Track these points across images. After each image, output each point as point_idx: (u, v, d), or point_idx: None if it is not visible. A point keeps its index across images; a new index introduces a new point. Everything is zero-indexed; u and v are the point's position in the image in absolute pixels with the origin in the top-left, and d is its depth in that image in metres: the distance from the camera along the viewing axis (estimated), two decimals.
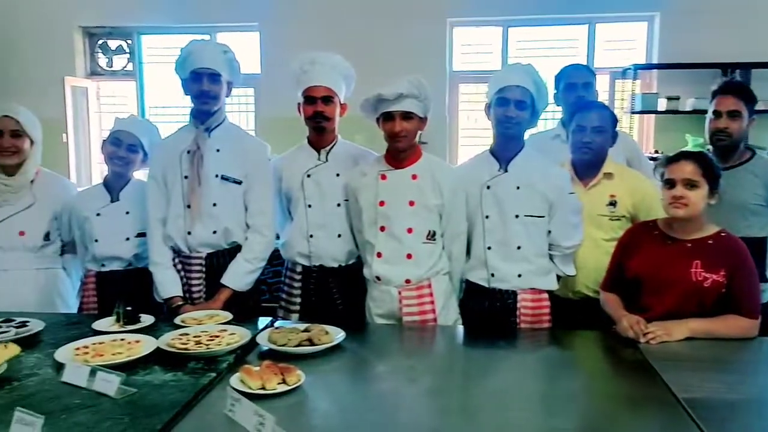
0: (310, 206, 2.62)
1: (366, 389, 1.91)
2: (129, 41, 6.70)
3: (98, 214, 2.66)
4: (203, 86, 2.52)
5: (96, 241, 2.64)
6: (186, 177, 2.56)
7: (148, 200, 2.62)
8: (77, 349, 1.99)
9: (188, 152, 2.57)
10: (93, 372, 1.73)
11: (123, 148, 2.67)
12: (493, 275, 2.49)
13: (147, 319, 2.31)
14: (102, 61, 6.77)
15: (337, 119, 2.64)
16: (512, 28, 6.08)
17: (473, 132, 6.29)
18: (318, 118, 2.57)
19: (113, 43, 6.73)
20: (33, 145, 2.69)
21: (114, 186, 2.72)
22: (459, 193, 2.50)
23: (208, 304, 2.54)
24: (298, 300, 2.67)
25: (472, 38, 6.29)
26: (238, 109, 6.50)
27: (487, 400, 1.80)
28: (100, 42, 6.74)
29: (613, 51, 6.05)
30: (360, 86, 2.73)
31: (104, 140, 2.72)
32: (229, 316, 2.35)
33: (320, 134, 2.62)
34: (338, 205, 2.63)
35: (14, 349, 1.88)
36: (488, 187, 2.48)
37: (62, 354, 1.94)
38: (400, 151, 2.46)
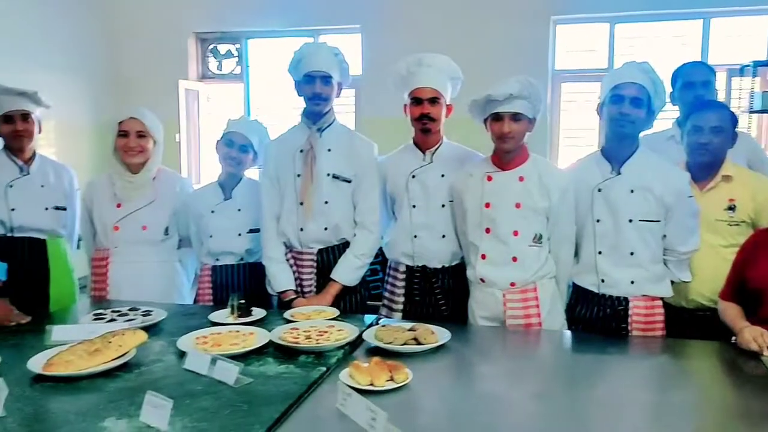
0: (414, 207, 2.65)
1: (472, 390, 1.91)
2: (237, 45, 7.00)
3: (213, 212, 2.79)
4: (316, 88, 2.60)
5: (210, 236, 2.78)
6: (299, 175, 2.66)
7: (262, 197, 2.74)
8: (197, 338, 2.10)
9: (301, 151, 2.67)
10: (213, 361, 1.83)
11: (235, 149, 2.79)
12: (603, 281, 2.41)
13: (258, 313, 2.40)
14: (212, 64, 7.11)
15: (442, 120, 2.65)
16: (619, 24, 5.87)
17: (576, 132, 6.13)
18: (424, 119, 2.59)
19: (223, 48, 7.05)
20: (155, 145, 2.86)
21: (227, 185, 2.85)
22: (568, 195, 2.44)
23: (318, 298, 2.63)
24: (401, 299, 2.70)
25: (576, 36, 6.12)
26: (339, 110, 6.64)
27: (596, 408, 1.76)
28: (211, 47, 7.08)
29: (731, 47, 5.71)
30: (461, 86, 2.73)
31: (218, 141, 2.85)
32: (336, 312, 2.41)
33: (426, 135, 2.64)
34: (443, 206, 2.63)
35: (141, 336, 2.02)
36: (599, 190, 2.40)
37: (184, 342, 2.06)
38: (507, 152, 2.44)
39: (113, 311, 2.41)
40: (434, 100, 2.59)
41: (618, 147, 2.42)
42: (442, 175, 2.63)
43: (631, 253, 2.38)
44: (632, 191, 2.37)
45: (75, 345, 1.92)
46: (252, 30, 6.90)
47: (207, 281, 2.81)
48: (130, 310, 2.43)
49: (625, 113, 2.33)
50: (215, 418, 1.57)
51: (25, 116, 2.73)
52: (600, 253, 2.41)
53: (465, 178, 2.54)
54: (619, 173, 2.40)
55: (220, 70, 7.10)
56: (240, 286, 2.70)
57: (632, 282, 2.38)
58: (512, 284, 2.43)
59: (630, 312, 2.39)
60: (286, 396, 1.70)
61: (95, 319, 2.34)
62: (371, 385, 1.73)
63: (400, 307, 2.70)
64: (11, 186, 2.71)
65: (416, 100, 2.60)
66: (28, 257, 2.70)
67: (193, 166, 6.92)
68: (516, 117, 2.37)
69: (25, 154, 2.78)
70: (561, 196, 2.43)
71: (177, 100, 6.67)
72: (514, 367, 2.10)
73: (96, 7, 6.67)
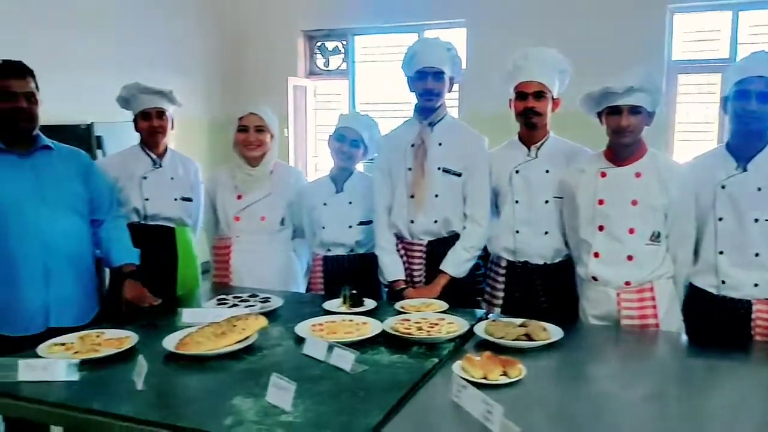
0: (517, 202, 2.63)
1: (585, 390, 1.88)
2: (344, 42, 7.16)
3: (325, 204, 2.89)
4: (427, 84, 2.64)
5: (323, 228, 2.88)
6: (410, 169, 2.72)
7: (374, 190, 2.82)
8: (313, 326, 2.19)
9: (413, 145, 2.72)
10: (330, 348, 1.90)
11: (347, 144, 2.87)
12: (723, 282, 2.30)
13: (369, 303, 2.47)
14: (319, 61, 7.31)
15: (549, 115, 2.61)
16: (744, 11, 5.52)
17: (692, 126, 5.83)
18: (529, 114, 2.57)
19: (330, 45, 7.24)
20: (272, 140, 2.99)
21: (339, 178, 2.94)
22: (688, 192, 2.34)
23: (428, 288, 2.68)
24: (501, 294, 2.70)
25: (695, 24, 5.81)
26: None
27: (713, 416, 1.70)
28: (319, 44, 7.28)
29: None
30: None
31: (330, 136, 2.95)
32: (445, 305, 2.44)
33: (531, 130, 2.62)
34: (546, 201, 2.60)
35: (262, 321, 2.13)
36: (723, 187, 2.29)
37: (301, 329, 2.15)
38: (625, 147, 2.37)
39: (235, 297, 2.56)
40: (540, 95, 2.56)
41: (744, 143, 2.30)
42: (547, 171, 2.60)
43: (756, 254, 2.25)
44: (759, 189, 2.24)
45: (203, 327, 2.05)
46: (358, 26, 7.03)
47: (319, 271, 2.92)
48: (250, 296, 2.56)
49: (750, 110, 2.20)
50: (334, 402, 1.65)
51: (161, 114, 2.94)
52: (721, 253, 2.29)
53: (576, 174, 2.49)
54: (745, 170, 2.27)
55: (327, 66, 7.28)
56: (350, 276, 2.78)
57: (756, 285, 2.26)
58: (627, 283, 2.36)
59: (753, 316, 2.27)
60: (401, 384, 1.75)
61: (219, 304, 2.48)
62: (484, 378, 1.75)
63: (500, 302, 2.70)
64: (145, 178, 2.92)
65: (521, 95, 2.58)
66: (158, 244, 2.90)
67: (300, 160, 7.15)
68: (635, 110, 2.30)
69: (158, 149, 2.99)
70: (681, 193, 2.34)
71: (286, 96, 6.91)
72: (628, 369, 2.05)
73: (212, 9, 7.02)
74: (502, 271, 2.69)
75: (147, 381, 1.75)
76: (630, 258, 2.36)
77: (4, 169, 2.38)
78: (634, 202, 2.36)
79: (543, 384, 1.85)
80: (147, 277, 2.66)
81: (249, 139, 2.91)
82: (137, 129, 2.99)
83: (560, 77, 2.63)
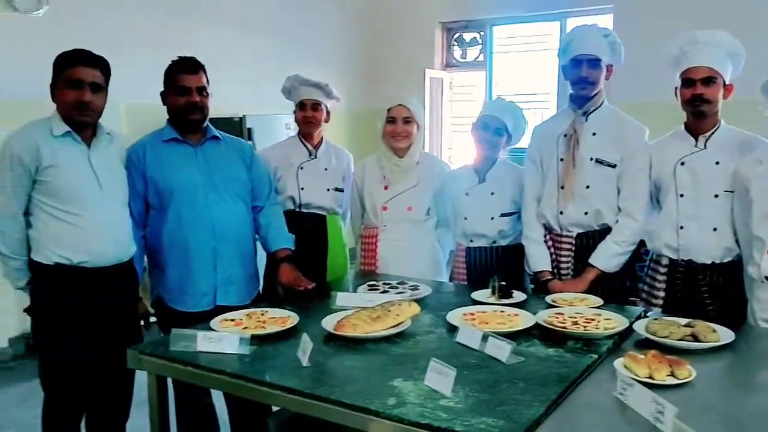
0: (682, 196, 2.48)
1: (759, 399, 1.74)
2: (482, 33, 7.10)
3: (467, 194, 2.89)
4: (582, 72, 2.56)
5: (465, 218, 2.88)
6: (561, 159, 2.65)
7: (525, 179, 2.80)
8: (464, 315, 2.20)
9: (565, 135, 2.65)
10: (485, 337, 1.90)
11: (490, 131, 2.84)
12: None
13: (518, 296, 2.44)
14: (456, 53, 7.29)
15: (719, 102, 2.44)
16: None
17: None
18: (696, 101, 2.41)
19: (468, 36, 7.19)
20: (419, 131, 3.02)
21: (481, 167, 2.91)
22: None
23: (575, 282, 2.62)
24: (662, 294, 2.56)
25: None
26: None
27: None
28: (456, 35, 7.26)
29: None
30: None
31: (473, 124, 2.93)
32: (599, 301, 2.36)
33: (699, 119, 2.46)
34: (716, 196, 2.43)
35: (415, 308, 2.17)
36: None
37: (453, 317, 2.17)
38: None
39: (384, 283, 2.62)
40: (709, 80, 2.40)
41: None
42: (717, 163, 2.43)
43: None
44: None
45: (359, 311, 2.13)
46: (497, 17, 6.93)
47: (462, 261, 2.92)
48: (398, 283, 2.62)
49: None
50: (494, 391, 1.65)
51: (316, 105, 3.06)
52: None
53: (753, 165, 2.31)
54: None
55: (464, 57, 7.25)
56: (493, 268, 2.76)
57: None
58: None
59: None
60: (560, 378, 1.72)
61: (370, 290, 2.56)
62: (650, 378, 1.68)
63: (660, 302, 2.56)
64: (302, 168, 3.06)
65: (688, 81, 2.43)
66: (311, 231, 3.03)
67: (435, 152, 7.19)
68: None
69: (313, 140, 3.12)
70: None
71: (423, 89, 6.96)
72: None
73: (354, 4, 7.21)
74: (663, 270, 2.56)
75: (310, 358, 1.84)
76: None
77: (179, 159, 2.60)
78: None
79: (713, 388, 1.75)
80: (300, 263, 2.79)
81: (397, 129, 2.95)
82: (295, 119, 3.13)
83: (733, 61, 2.44)
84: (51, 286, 2.35)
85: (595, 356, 1.87)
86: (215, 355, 1.91)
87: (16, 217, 2.31)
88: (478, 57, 7.17)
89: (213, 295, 2.60)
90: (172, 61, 2.60)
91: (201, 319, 2.27)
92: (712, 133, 2.48)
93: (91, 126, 2.40)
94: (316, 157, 3.10)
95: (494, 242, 2.90)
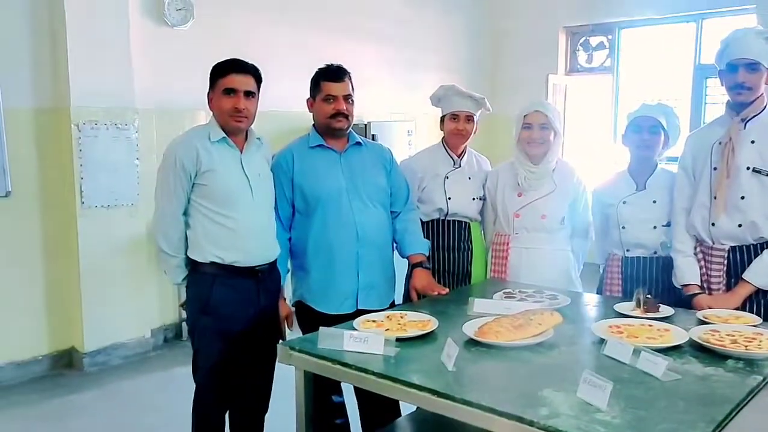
0: None
1: None
2: (609, 37, 6.86)
3: (624, 202, 2.79)
4: (738, 77, 2.44)
5: (623, 227, 2.78)
6: (715, 168, 2.52)
7: (675, 189, 2.68)
8: (610, 327, 2.14)
9: (720, 143, 2.52)
10: (637, 352, 1.83)
11: (645, 131, 2.74)
12: None
13: (666, 310, 2.34)
14: (581, 57, 7.10)
15: None
16: None
17: None
18: None
19: (594, 40, 6.98)
20: (556, 137, 2.96)
21: (639, 173, 2.81)
22: None
23: (725, 297, 2.48)
24: None
25: None
26: None
27: None
28: (582, 39, 7.07)
29: None
30: None
31: (622, 135, 2.85)
32: (757, 319, 2.21)
33: None
34: None
35: (558, 318, 2.13)
36: None
37: (598, 329, 2.11)
38: None
39: (521, 291, 2.59)
40: None
41: None
42: None
43: None
44: None
45: (500, 318, 2.11)
46: (626, 20, 6.68)
47: (616, 272, 2.83)
48: (535, 292, 2.58)
49: None
50: (651, 408, 1.58)
51: (469, 117, 3.03)
52: None
53: None
54: None
55: (590, 62, 7.04)
56: (651, 279, 2.66)
57: None
58: None
59: None
60: (723, 399, 1.62)
61: (506, 297, 2.54)
62: None
63: None
64: (448, 177, 3.05)
65: None
66: (458, 238, 3.04)
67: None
68: None
69: (459, 149, 3.10)
70: None
71: (546, 95, 6.83)
72: None
73: (478, 8, 7.19)
74: None
75: (455, 363, 1.85)
76: None
77: (325, 165, 2.69)
78: None
79: None
80: (444, 269, 2.85)
81: (533, 135, 2.90)
82: (443, 128, 3.11)
83: None
84: (205, 283, 2.50)
85: (760, 378, 1.75)
86: (361, 354, 1.97)
87: (177, 218, 2.49)
88: (605, 62, 6.94)
89: (355, 299, 2.68)
90: (319, 69, 2.69)
91: (342, 321, 2.34)
92: None
93: (244, 131, 2.55)
94: (460, 167, 3.09)
95: (655, 253, 2.78)
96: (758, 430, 1.54)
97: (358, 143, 2.77)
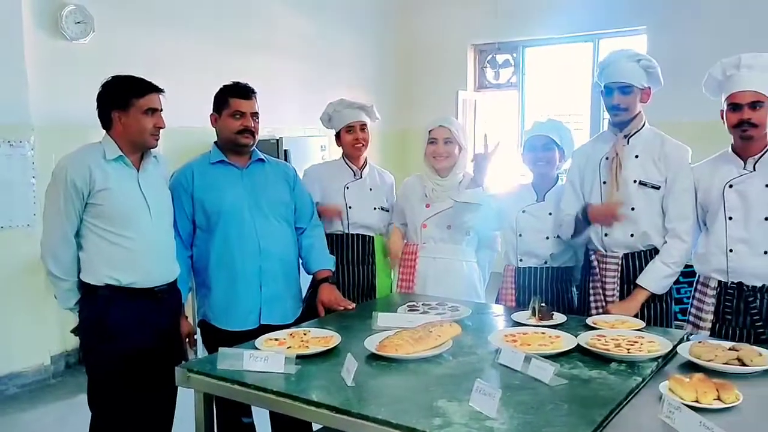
0: (730, 219, 2.47)
1: None
2: (514, 54, 7.13)
3: (523, 211, 2.90)
4: (613, 100, 2.61)
5: (520, 235, 2.88)
6: (604, 182, 2.67)
7: (562, 200, 2.81)
8: (506, 336, 2.21)
9: (607, 158, 2.67)
10: (527, 359, 1.91)
11: (539, 149, 2.86)
12: None
13: (558, 317, 2.45)
14: (489, 74, 7.34)
15: (767, 124, 2.43)
16: None
17: None
18: (744, 126, 2.40)
19: (501, 58, 7.24)
20: (461, 151, 3.06)
21: (541, 187, 2.93)
22: None
23: (623, 304, 2.61)
24: (710, 317, 2.54)
25: None
26: None
27: None
28: (489, 57, 7.31)
29: None
30: None
31: (521, 153, 2.96)
32: (641, 323, 2.35)
33: (746, 143, 2.45)
34: (766, 218, 2.42)
35: (457, 329, 2.19)
36: None
37: (494, 338, 2.18)
38: None
39: (424, 304, 2.65)
40: (756, 104, 2.39)
41: None
42: (766, 185, 2.41)
43: None
44: None
45: (400, 331, 2.15)
46: (530, 39, 6.97)
47: (510, 282, 2.93)
48: (438, 304, 2.64)
49: None
50: (538, 413, 1.65)
51: (363, 127, 3.11)
52: None
53: None
54: None
55: (497, 79, 7.29)
56: (543, 289, 2.77)
57: None
58: None
59: None
60: (605, 401, 1.72)
61: (410, 310, 2.58)
62: (696, 402, 1.67)
63: (708, 325, 2.54)
64: (348, 187, 3.09)
65: (734, 106, 2.42)
66: (360, 252, 3.07)
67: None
68: None
69: (359, 162, 3.15)
70: None
71: (456, 111, 7.01)
72: None
73: (388, 27, 7.31)
74: (712, 293, 2.54)
75: (354, 378, 1.87)
76: None
77: (226, 181, 2.67)
78: None
79: (762, 413, 1.72)
80: (348, 283, 2.87)
81: (438, 150, 3.00)
82: (340, 143, 3.15)
83: None
84: (100, 307, 2.41)
85: (639, 379, 1.86)
86: (261, 374, 1.95)
87: (68, 239, 2.39)
88: (510, 78, 7.21)
89: (258, 314, 2.65)
90: (225, 86, 2.69)
91: (245, 339, 2.32)
92: (761, 155, 2.46)
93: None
94: (361, 177, 3.14)
95: (545, 262, 2.89)
96: (636, 427, 1.63)
97: (261, 160, 2.76)
